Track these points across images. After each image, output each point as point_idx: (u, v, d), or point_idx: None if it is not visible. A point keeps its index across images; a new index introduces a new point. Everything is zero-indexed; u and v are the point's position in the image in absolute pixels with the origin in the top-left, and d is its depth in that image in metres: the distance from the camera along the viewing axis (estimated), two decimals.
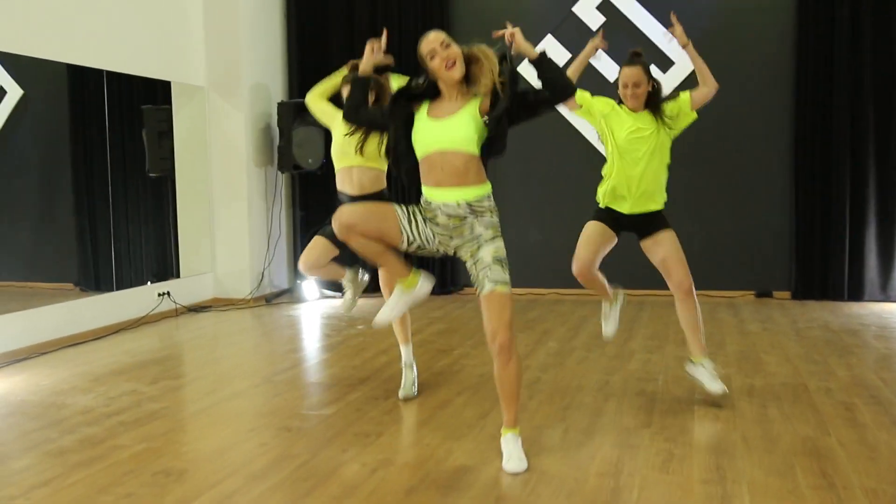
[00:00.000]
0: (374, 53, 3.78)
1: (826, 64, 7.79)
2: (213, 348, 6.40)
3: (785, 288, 8.14)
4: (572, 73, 4.62)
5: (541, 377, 5.13)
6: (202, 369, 5.75)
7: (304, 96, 8.87)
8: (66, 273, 7.59)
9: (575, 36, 8.39)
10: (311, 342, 6.60)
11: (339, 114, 4.64)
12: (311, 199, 8.72)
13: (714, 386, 4.40)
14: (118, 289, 7.34)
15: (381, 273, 4.62)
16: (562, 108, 4.70)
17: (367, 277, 5.15)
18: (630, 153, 4.44)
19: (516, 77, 3.48)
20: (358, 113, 3.75)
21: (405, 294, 3.71)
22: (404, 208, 3.57)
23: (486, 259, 3.45)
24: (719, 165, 8.22)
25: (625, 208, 4.51)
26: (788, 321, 6.90)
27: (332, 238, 4.63)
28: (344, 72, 4.77)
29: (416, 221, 3.55)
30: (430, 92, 3.55)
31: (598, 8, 8.33)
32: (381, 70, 4.09)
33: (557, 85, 3.45)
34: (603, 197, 4.57)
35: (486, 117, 3.40)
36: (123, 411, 4.51)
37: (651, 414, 4.32)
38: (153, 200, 8.21)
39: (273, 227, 8.65)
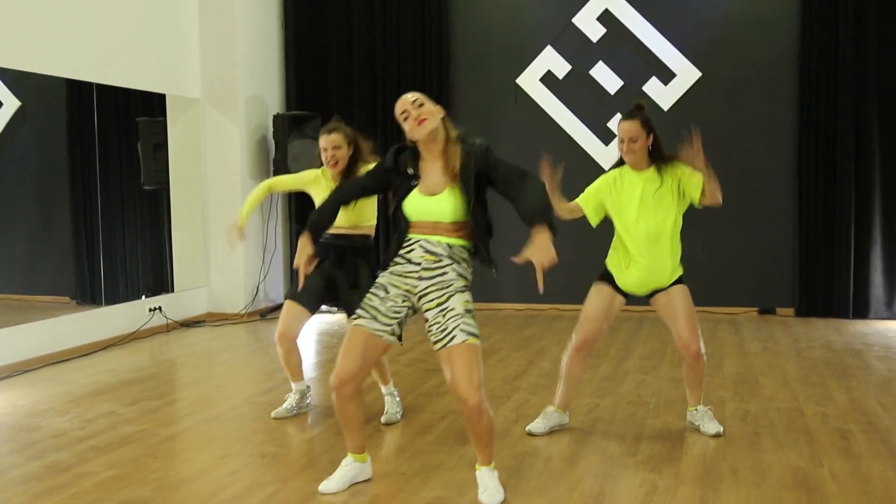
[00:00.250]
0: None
1: (830, 79, 7.64)
2: (199, 367, 6.28)
3: (789, 305, 7.97)
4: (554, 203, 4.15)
5: (529, 400, 4.99)
6: (184, 390, 5.63)
7: (300, 108, 8.86)
8: (62, 286, 7.51)
9: (575, 47, 8.28)
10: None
11: (312, 183, 4.63)
12: (307, 212, 8.48)
13: (709, 426, 4.23)
14: (112, 303, 7.25)
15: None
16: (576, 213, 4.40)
17: (311, 402, 4.85)
18: (632, 213, 4.15)
19: (487, 155, 3.38)
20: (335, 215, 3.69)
21: (354, 465, 3.57)
22: (365, 310, 3.37)
23: (458, 309, 3.27)
24: (722, 180, 7.83)
25: (631, 286, 4.19)
26: (790, 340, 6.73)
27: (301, 300, 4.50)
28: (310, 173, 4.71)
29: (377, 306, 3.36)
30: (413, 157, 3.42)
31: (598, 19, 8.21)
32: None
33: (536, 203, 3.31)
34: (609, 265, 4.27)
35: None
36: (97, 434, 4.40)
37: (638, 441, 4.17)
38: (148, 213, 8.13)
39: (268, 241, 8.54)
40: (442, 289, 3.31)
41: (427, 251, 3.33)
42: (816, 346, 6.46)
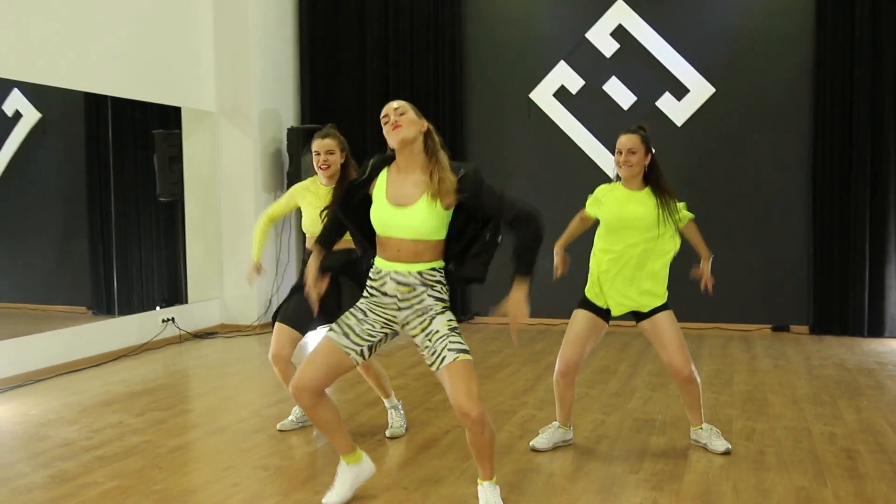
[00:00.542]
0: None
1: (845, 96, 7.59)
2: (209, 378, 6.32)
3: (803, 322, 7.91)
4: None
5: (535, 415, 4.98)
6: (193, 401, 5.67)
7: (315, 122, 8.91)
8: (79, 296, 7.59)
9: (588, 62, 8.29)
10: None
11: (301, 195, 4.63)
12: None
13: (716, 444, 4.22)
14: (127, 313, 7.31)
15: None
16: (585, 222, 4.40)
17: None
18: (620, 232, 4.14)
19: (476, 184, 3.29)
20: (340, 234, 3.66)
21: (350, 468, 3.56)
22: (339, 325, 3.37)
23: (442, 330, 3.28)
24: (737, 197, 8.03)
25: (610, 304, 4.16)
26: (802, 358, 6.68)
27: (288, 321, 4.52)
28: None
29: (352, 325, 3.36)
30: (382, 162, 3.43)
31: (612, 34, 8.21)
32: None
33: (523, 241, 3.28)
34: (588, 289, 4.25)
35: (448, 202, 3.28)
36: (103, 445, 4.43)
37: (642, 458, 4.15)
38: (163, 225, 8.20)
39: (281, 254, 8.59)
40: (422, 314, 3.32)
41: (399, 283, 3.32)
42: (829, 365, 6.41)
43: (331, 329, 3.39)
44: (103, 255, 7.54)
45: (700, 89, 8.05)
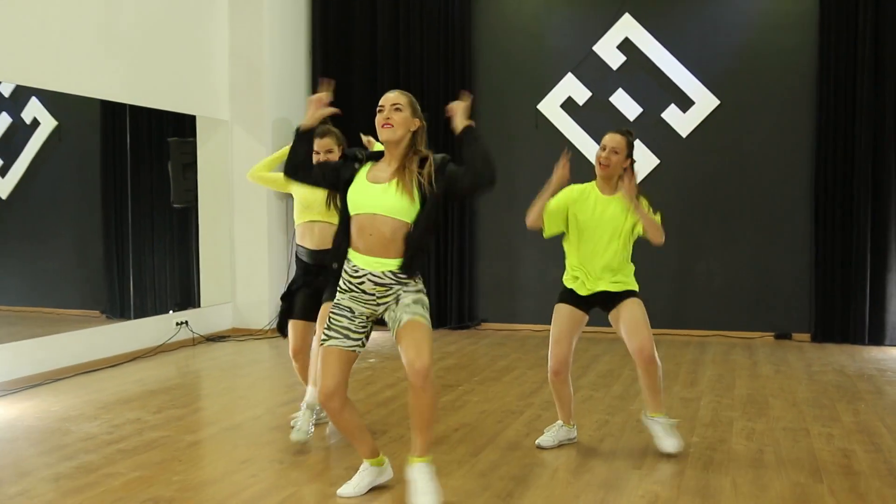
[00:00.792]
0: (317, 106, 3.69)
1: (847, 109, 7.75)
2: (222, 379, 6.48)
3: (805, 330, 8.04)
4: (537, 206, 4.33)
5: (541, 415, 5.12)
6: (208, 399, 5.83)
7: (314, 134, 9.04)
8: (93, 301, 7.75)
9: (595, 74, 8.46)
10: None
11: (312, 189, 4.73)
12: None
13: (666, 443, 4.28)
14: (140, 317, 7.47)
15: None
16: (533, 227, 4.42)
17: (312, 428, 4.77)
18: (591, 233, 4.30)
19: (445, 166, 3.50)
20: (297, 172, 3.63)
21: (370, 469, 3.70)
22: (335, 331, 3.51)
23: (405, 300, 3.47)
24: (740, 206, 8.18)
25: (583, 290, 4.32)
26: (803, 364, 6.81)
27: (301, 316, 4.70)
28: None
29: (346, 325, 3.51)
30: (375, 154, 3.61)
31: (619, 47, 8.39)
32: (324, 123, 4.04)
33: (476, 167, 3.45)
34: (565, 281, 4.42)
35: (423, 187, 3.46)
36: (124, 439, 4.59)
37: (644, 455, 4.30)
38: (177, 231, 8.37)
39: (292, 260, 8.74)
40: (396, 302, 3.50)
41: (376, 284, 3.48)
42: (829, 371, 6.54)
43: (329, 338, 3.51)
44: (117, 260, 7.71)
45: (705, 101, 8.22)
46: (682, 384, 6.01)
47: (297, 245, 4.85)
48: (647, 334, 4.27)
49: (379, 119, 3.49)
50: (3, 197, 6.81)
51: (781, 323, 8.12)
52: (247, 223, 8.50)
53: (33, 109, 6.99)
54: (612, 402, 5.47)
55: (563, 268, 4.48)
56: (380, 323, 3.63)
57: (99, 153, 7.73)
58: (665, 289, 8.23)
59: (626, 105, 8.40)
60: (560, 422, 4.50)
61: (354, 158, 3.61)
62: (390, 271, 3.46)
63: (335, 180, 3.59)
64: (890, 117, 7.67)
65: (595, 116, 8.46)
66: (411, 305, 3.47)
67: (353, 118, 9.32)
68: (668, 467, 4.10)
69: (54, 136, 7.18)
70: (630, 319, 4.29)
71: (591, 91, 8.49)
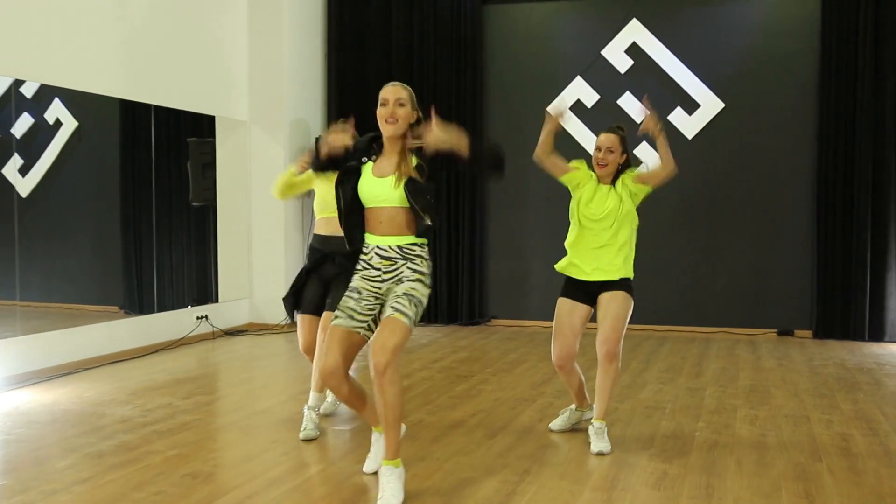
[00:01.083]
0: (336, 140, 3.74)
1: (848, 111, 7.99)
2: (244, 369, 6.72)
3: (807, 327, 8.27)
4: (543, 143, 4.50)
5: (553, 403, 5.36)
6: (232, 387, 6.07)
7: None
8: (112, 297, 7.97)
9: (604, 78, 8.70)
10: None
11: (327, 179, 4.83)
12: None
13: (599, 443, 4.27)
14: (160, 312, 7.71)
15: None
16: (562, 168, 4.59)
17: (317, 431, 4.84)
18: (592, 214, 4.43)
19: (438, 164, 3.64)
20: (324, 170, 3.84)
21: (381, 439, 3.71)
22: (342, 311, 3.63)
23: (399, 292, 3.56)
24: (744, 208, 8.42)
25: (581, 275, 4.44)
26: (805, 358, 7.04)
27: (309, 311, 4.85)
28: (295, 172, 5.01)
29: (352, 306, 3.63)
30: (374, 146, 3.71)
31: (626, 52, 8.63)
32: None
33: (489, 169, 3.72)
34: (564, 268, 4.53)
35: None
36: (158, 422, 4.83)
37: (653, 438, 4.53)
38: (195, 228, 8.61)
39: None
40: (398, 283, 3.62)
41: (382, 258, 3.64)
42: (830, 364, 6.77)
43: (336, 318, 3.66)
44: (135, 258, 7.95)
45: (710, 104, 8.46)
46: (688, 376, 6.24)
47: (314, 234, 5.06)
48: (618, 332, 4.32)
49: (382, 113, 3.61)
50: (24, 195, 7.05)
51: (784, 320, 8.35)
52: (264, 222, 8.74)
53: (56, 110, 7.22)
54: (620, 391, 5.70)
55: (561, 272, 4.62)
56: None
57: (118, 153, 7.96)
58: (671, 286, 8.46)
59: (633, 107, 8.63)
60: (573, 406, 4.72)
61: (361, 151, 3.72)
62: (397, 246, 3.61)
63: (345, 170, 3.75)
64: (889, 120, 7.91)
65: (603, 118, 8.67)
66: (401, 297, 3.54)
67: (367, 121, 9.57)
68: (676, 449, 4.33)
69: (75, 136, 7.41)
70: (607, 310, 4.35)
71: (599, 94, 8.73)
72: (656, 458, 4.15)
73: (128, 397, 5.47)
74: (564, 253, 4.60)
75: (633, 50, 8.63)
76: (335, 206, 4.61)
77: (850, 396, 5.58)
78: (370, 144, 3.72)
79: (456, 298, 8.99)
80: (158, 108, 7.70)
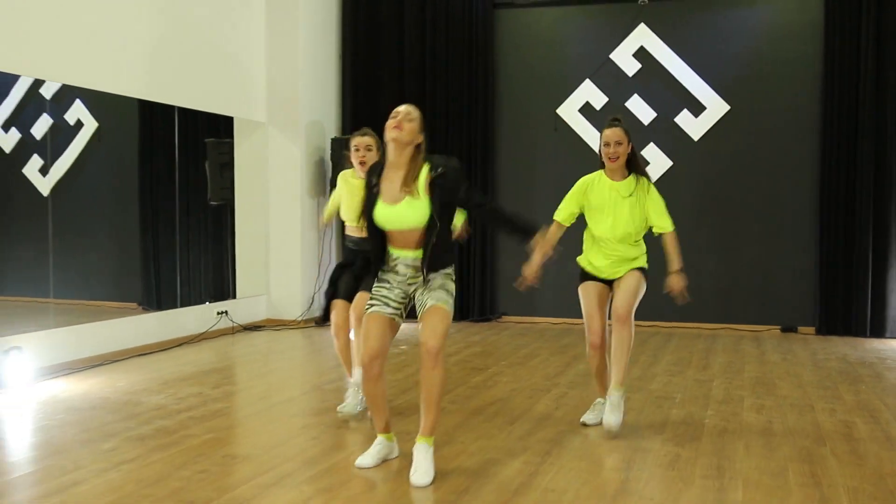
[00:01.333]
0: None
1: (850, 115, 8.21)
2: (266, 362, 6.95)
3: (810, 324, 8.50)
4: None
5: (568, 392, 5.59)
6: (258, 378, 6.29)
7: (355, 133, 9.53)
8: (130, 293, 8.20)
9: (612, 81, 8.93)
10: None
11: (350, 186, 5.16)
12: None
13: (610, 417, 4.48)
14: (177, 308, 7.94)
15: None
16: (560, 230, 4.85)
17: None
18: (604, 216, 4.67)
19: (447, 177, 3.84)
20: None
21: (385, 444, 4.00)
22: (377, 300, 3.89)
23: (435, 285, 3.84)
24: (749, 208, 8.65)
25: (602, 272, 4.70)
26: (808, 353, 7.27)
27: (346, 297, 5.08)
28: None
29: (386, 294, 3.88)
30: (379, 169, 3.93)
31: (634, 55, 8.86)
32: None
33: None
34: (583, 264, 4.80)
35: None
36: (191, 409, 5.06)
37: (665, 424, 4.76)
38: (212, 227, 8.84)
39: (324, 255, 9.23)
40: (426, 284, 3.87)
41: (407, 266, 3.88)
42: (832, 359, 7.00)
43: (371, 306, 3.91)
44: (153, 255, 8.18)
45: (716, 107, 8.69)
46: (695, 369, 6.46)
47: (347, 235, 5.30)
48: (630, 298, 4.57)
49: (390, 123, 3.86)
50: (45, 194, 7.26)
51: (787, 317, 8.58)
52: (281, 221, 8.97)
53: (77, 111, 7.44)
54: (631, 383, 5.90)
55: (579, 264, 4.87)
56: (410, 316, 3.98)
57: (136, 153, 8.16)
58: None
59: (640, 110, 8.86)
60: (599, 399, 4.86)
61: (370, 181, 3.97)
62: (420, 258, 3.86)
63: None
64: (891, 122, 8.13)
65: None
66: (437, 291, 3.83)
67: (380, 122, 9.80)
68: (688, 434, 4.55)
69: (95, 136, 7.63)
70: (622, 284, 4.64)
71: (607, 96, 8.96)
72: (669, 443, 4.38)
73: (159, 387, 5.70)
74: (573, 252, 4.86)
75: (641, 54, 8.85)
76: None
77: (853, 388, 5.80)
78: (375, 172, 3.95)
79: (467, 295, 9.21)
80: (176, 109, 7.91)
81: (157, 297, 8.15)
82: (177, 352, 7.18)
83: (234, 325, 8.31)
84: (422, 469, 3.73)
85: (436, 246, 3.83)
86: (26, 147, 6.97)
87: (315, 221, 9.15)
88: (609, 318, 4.73)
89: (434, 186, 3.80)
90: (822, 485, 3.71)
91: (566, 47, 9.12)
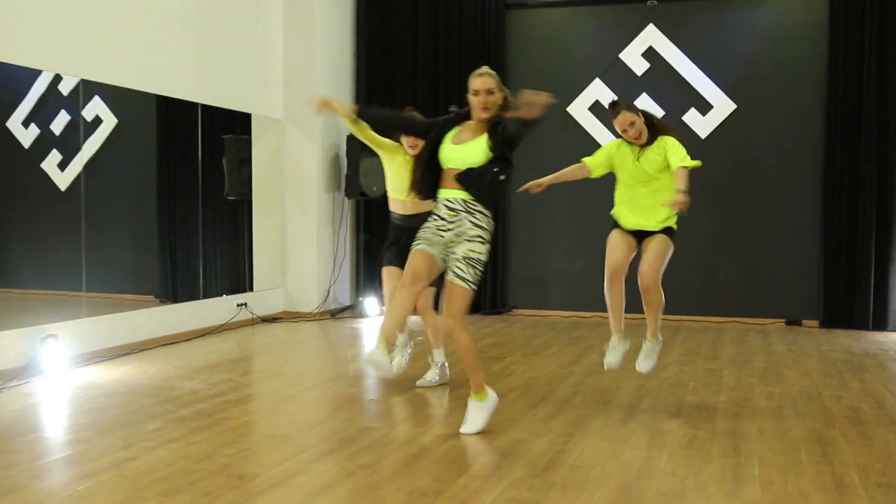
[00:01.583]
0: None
1: (854, 114, 8.43)
2: (289, 352, 7.17)
3: (814, 317, 8.72)
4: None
5: (584, 380, 5.81)
6: (283, 367, 6.51)
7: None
8: (148, 286, 8.38)
9: (621, 80, 9.15)
10: None
11: (390, 151, 5.45)
12: (374, 223, 9.50)
13: (643, 363, 5.10)
14: (195, 300, 8.13)
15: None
16: (582, 172, 5.33)
17: (405, 361, 5.66)
18: (633, 177, 4.96)
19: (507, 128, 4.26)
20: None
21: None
22: (421, 241, 4.31)
23: (459, 254, 4.23)
24: (754, 204, 8.87)
25: (629, 224, 5.02)
26: (813, 345, 7.49)
27: (396, 263, 5.40)
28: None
29: (430, 237, 4.29)
30: (460, 119, 4.42)
31: (643, 55, 9.07)
32: None
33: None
34: (614, 215, 5.15)
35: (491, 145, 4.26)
36: (225, 394, 5.27)
37: (681, 409, 4.98)
38: (230, 221, 9.04)
39: (339, 249, 9.44)
40: (458, 236, 4.27)
41: (448, 208, 4.27)
42: (837, 350, 7.22)
43: (417, 244, 4.31)
44: (171, 249, 8.37)
45: (722, 105, 8.91)
46: (705, 359, 6.69)
47: (392, 212, 5.61)
48: (656, 264, 4.84)
49: (476, 102, 4.29)
50: (63, 189, 7.44)
51: (792, 310, 8.80)
52: (297, 214, 9.19)
53: (96, 107, 7.62)
54: None
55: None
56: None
57: (156, 148, 8.35)
58: (684, 278, 8.89)
59: (649, 108, 9.01)
60: (614, 338, 5.14)
61: (449, 121, 4.43)
62: (462, 199, 4.26)
63: (419, 132, 4.67)
64: (893, 121, 8.35)
65: None
66: (460, 262, 4.20)
67: (395, 107, 10.03)
68: (703, 418, 4.77)
69: (114, 132, 7.82)
70: (649, 249, 4.90)
71: (616, 95, 9.15)
72: (685, 425, 4.60)
73: (191, 374, 5.91)
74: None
75: (650, 53, 9.07)
76: (405, 191, 5.13)
77: (858, 377, 6.02)
78: (455, 119, 4.40)
79: (479, 289, 9.39)
80: (195, 105, 8.08)
81: (174, 291, 8.34)
82: (201, 342, 7.39)
83: (254, 316, 8.52)
84: (471, 419, 4.34)
85: (478, 178, 4.20)
86: (45, 143, 7.14)
87: (330, 217, 9.35)
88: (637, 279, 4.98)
89: (493, 132, 4.22)
90: (833, 462, 3.93)
91: (576, 47, 9.33)
